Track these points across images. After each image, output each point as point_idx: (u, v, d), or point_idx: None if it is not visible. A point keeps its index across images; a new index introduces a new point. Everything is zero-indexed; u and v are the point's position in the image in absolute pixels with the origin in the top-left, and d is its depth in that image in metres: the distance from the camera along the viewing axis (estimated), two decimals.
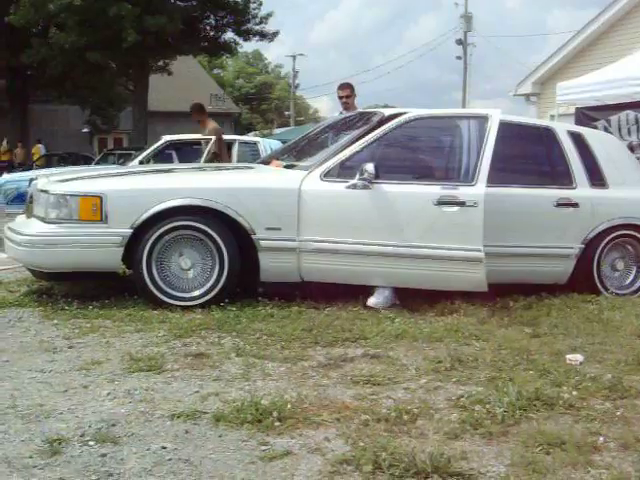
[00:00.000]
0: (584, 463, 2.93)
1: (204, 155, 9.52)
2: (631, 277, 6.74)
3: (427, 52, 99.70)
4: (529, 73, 19.55)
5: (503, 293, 6.02)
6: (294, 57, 56.57)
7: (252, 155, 11.06)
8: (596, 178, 6.64)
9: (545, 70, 18.94)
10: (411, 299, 5.82)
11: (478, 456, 3.00)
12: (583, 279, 6.46)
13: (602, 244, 6.51)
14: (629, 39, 16.89)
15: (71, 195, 5.60)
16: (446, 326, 5.18)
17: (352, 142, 6.03)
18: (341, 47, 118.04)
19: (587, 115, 13.29)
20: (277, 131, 35.77)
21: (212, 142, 9.47)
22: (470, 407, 3.52)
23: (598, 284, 6.49)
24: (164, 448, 3.06)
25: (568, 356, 4.47)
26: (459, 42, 42.79)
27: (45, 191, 5.72)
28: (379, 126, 6.08)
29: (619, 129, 13.34)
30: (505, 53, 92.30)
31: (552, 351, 4.60)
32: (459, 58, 43.04)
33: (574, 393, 3.74)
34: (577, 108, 14.34)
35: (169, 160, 12.16)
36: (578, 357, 4.46)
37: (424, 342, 4.80)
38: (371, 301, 5.80)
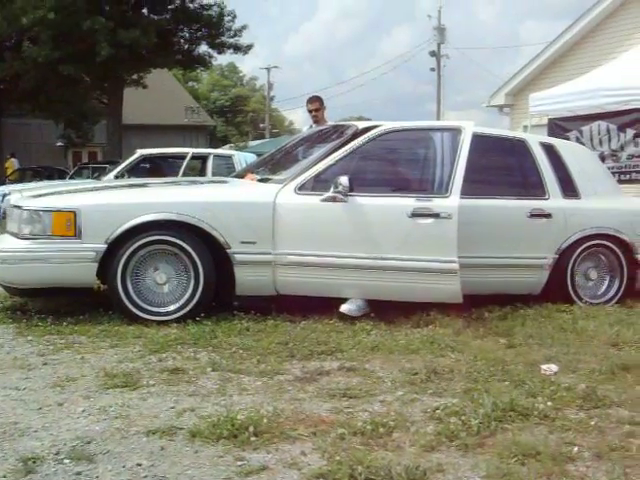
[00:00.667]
0: (559, 473, 2.94)
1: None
2: (604, 286, 6.80)
3: (401, 64, 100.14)
4: (502, 84, 19.70)
5: (478, 304, 6.06)
6: (268, 69, 56.63)
7: (227, 168, 11.07)
8: (569, 189, 6.71)
9: (518, 81, 19.09)
10: (387, 311, 5.83)
11: (454, 468, 3.01)
12: (557, 289, 6.53)
13: (575, 254, 6.58)
14: (600, 50, 17.08)
15: (44, 210, 5.57)
16: (422, 338, 5.20)
17: (326, 155, 6.05)
18: (316, 59, 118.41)
19: (560, 126, 13.42)
20: (252, 143, 35.75)
21: None
22: (446, 419, 3.53)
23: (572, 294, 6.56)
24: (139, 465, 3.04)
25: (543, 366, 4.49)
26: (432, 54, 43.03)
27: (18, 207, 5.69)
28: (353, 139, 6.11)
29: (591, 139, 13.49)
30: (478, 64, 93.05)
31: (527, 361, 4.63)
32: (433, 70, 43.28)
33: (549, 403, 3.76)
34: (550, 119, 14.47)
35: (145, 174, 12.14)
36: (553, 367, 4.48)
37: (400, 354, 4.81)
38: (344, 308, 5.80)
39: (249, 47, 26.25)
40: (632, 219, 6.88)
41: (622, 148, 13.91)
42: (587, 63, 16.66)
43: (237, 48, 25.71)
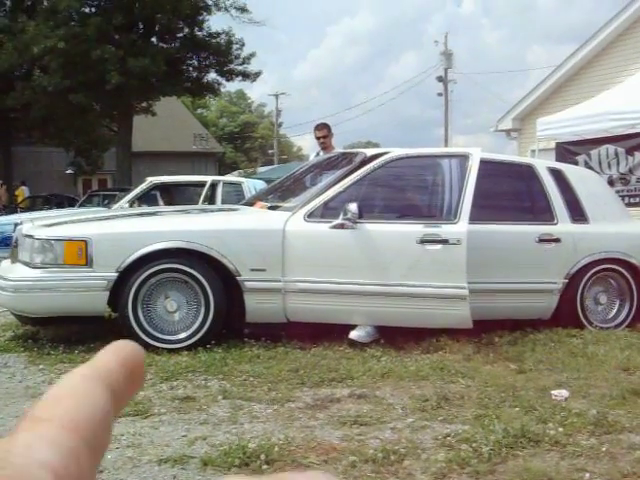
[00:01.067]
0: None
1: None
2: (614, 310, 6.78)
3: (408, 89, 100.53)
4: (509, 109, 19.79)
5: (488, 329, 6.06)
6: (277, 96, 56.93)
7: (236, 196, 11.10)
8: (577, 213, 6.72)
9: (525, 106, 19.17)
10: (396, 337, 5.84)
11: None
12: (567, 314, 6.52)
13: (585, 278, 6.58)
14: (607, 74, 17.15)
15: (56, 240, 5.62)
16: (432, 364, 5.20)
17: (335, 182, 6.09)
18: (323, 85, 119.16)
19: (568, 150, 13.47)
20: (261, 169, 35.82)
21: None
22: (457, 446, 3.54)
23: (582, 318, 6.54)
24: None
25: (553, 392, 4.49)
26: (440, 79, 43.20)
27: (30, 236, 5.73)
28: (362, 166, 6.16)
29: (599, 163, 13.53)
30: (485, 89, 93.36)
31: (537, 387, 4.63)
32: (440, 95, 43.43)
33: (560, 429, 3.76)
34: (557, 143, 14.52)
35: (156, 202, 12.21)
36: (563, 392, 4.48)
37: (410, 380, 4.82)
38: (353, 334, 5.81)
39: (257, 74, 26.42)
40: None
41: (631, 171, 13.93)
42: (594, 87, 16.73)
43: (245, 75, 25.87)
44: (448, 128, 42.06)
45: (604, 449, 3.53)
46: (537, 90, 18.99)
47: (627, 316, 6.74)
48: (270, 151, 56.81)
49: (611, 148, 14.13)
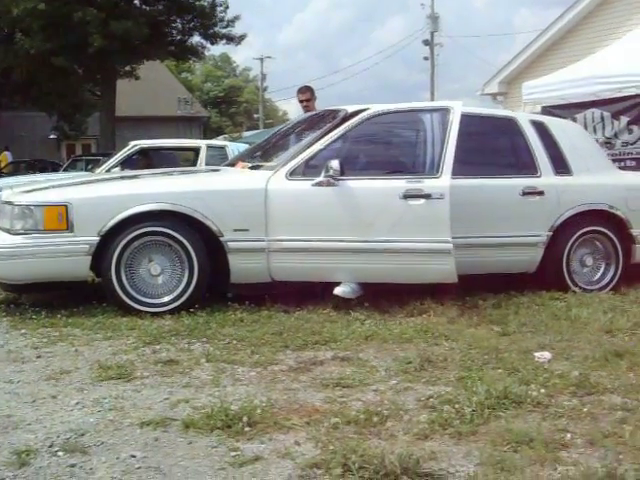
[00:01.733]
0: (552, 460, 2.95)
1: None
2: (599, 273, 6.79)
3: (394, 53, 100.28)
4: (495, 73, 19.67)
5: (472, 292, 6.06)
6: (262, 60, 56.54)
7: (221, 159, 10.99)
8: (560, 166, 6.71)
9: (511, 70, 19.07)
10: (381, 300, 5.84)
11: (447, 456, 3.02)
12: (552, 272, 6.53)
13: (572, 239, 6.56)
14: (593, 38, 17.06)
15: (35, 205, 5.57)
16: (416, 327, 5.20)
17: (316, 140, 6.05)
18: (309, 49, 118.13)
19: (554, 114, 13.39)
20: (246, 134, 35.60)
21: None
22: (439, 407, 3.54)
23: (567, 279, 6.55)
24: (133, 457, 3.04)
25: (536, 354, 4.50)
26: (426, 43, 43.02)
27: (9, 202, 5.68)
28: (343, 123, 6.11)
29: (585, 127, 13.46)
30: (472, 53, 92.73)
31: (521, 349, 4.63)
32: (426, 59, 43.29)
33: (542, 391, 3.76)
34: (543, 107, 14.45)
35: (139, 167, 12.11)
36: (546, 355, 4.49)
37: (394, 343, 4.82)
38: (337, 290, 5.79)
39: (242, 37, 26.17)
40: (625, 194, 6.86)
41: (616, 135, 13.90)
42: (580, 51, 16.65)
43: (230, 39, 25.62)
44: (434, 92, 41.92)
45: (586, 410, 3.54)
46: (523, 54, 18.89)
47: (612, 279, 6.75)
48: (255, 115, 56.51)
49: (597, 112, 14.09)
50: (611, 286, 6.69)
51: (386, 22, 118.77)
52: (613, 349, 4.56)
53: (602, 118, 14.13)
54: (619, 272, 6.74)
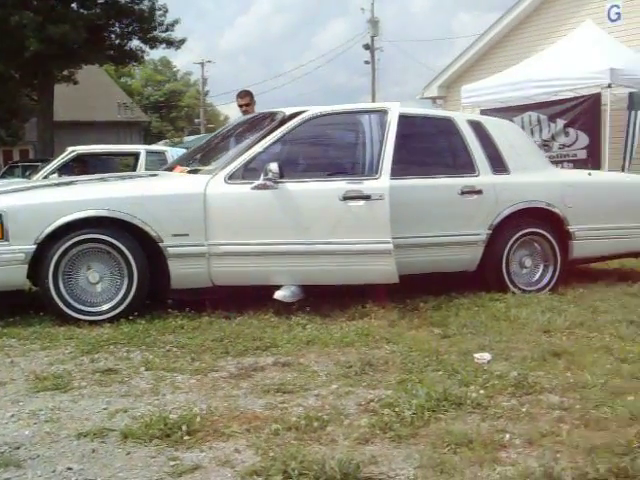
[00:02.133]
0: (490, 461, 2.97)
1: None
2: (538, 274, 6.89)
3: (336, 57, 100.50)
4: (435, 77, 19.87)
5: (413, 295, 6.10)
6: (202, 64, 56.18)
7: (160, 165, 10.92)
8: (498, 164, 6.79)
9: (450, 73, 19.27)
10: (322, 304, 5.84)
11: (387, 460, 3.02)
12: (492, 270, 6.60)
13: (511, 241, 6.64)
14: (529, 42, 17.33)
15: None
16: (357, 330, 5.21)
17: (255, 143, 6.03)
18: (251, 53, 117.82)
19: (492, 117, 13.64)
20: (188, 139, 35.38)
21: None
22: (380, 411, 3.54)
23: (507, 281, 6.62)
24: (70, 469, 2.98)
25: (476, 355, 4.54)
26: (366, 47, 43.20)
27: None
28: (281, 125, 6.10)
29: (523, 130, 13.66)
30: (412, 57, 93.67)
31: (461, 351, 4.67)
32: (367, 63, 43.46)
33: (481, 392, 3.79)
34: (482, 110, 14.63)
35: (77, 173, 11.92)
36: (486, 356, 4.53)
37: (335, 347, 4.81)
38: (278, 294, 5.78)
39: (182, 42, 26.02)
40: (561, 191, 6.96)
41: (553, 138, 14.18)
42: (517, 55, 16.89)
43: (170, 43, 25.45)
44: (375, 96, 42.13)
45: (524, 410, 3.57)
46: (462, 58, 19.11)
47: (550, 280, 6.84)
48: (197, 120, 56.07)
49: (534, 115, 14.35)
50: (550, 287, 6.78)
51: (327, 26, 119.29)
52: (551, 349, 4.62)
53: (539, 121, 14.38)
54: (557, 273, 6.84)
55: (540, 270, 6.90)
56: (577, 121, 13.81)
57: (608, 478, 2.77)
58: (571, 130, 13.95)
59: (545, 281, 6.85)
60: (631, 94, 12.99)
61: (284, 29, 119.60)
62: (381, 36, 43.78)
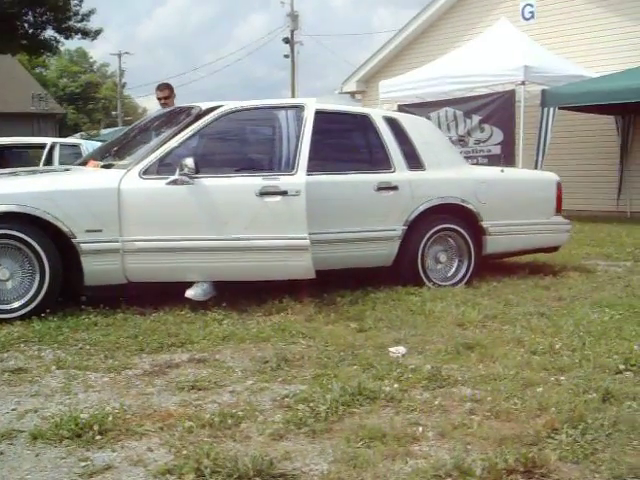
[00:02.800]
0: (403, 454, 3.00)
1: None
2: (453, 269, 6.99)
3: (255, 50, 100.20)
4: (353, 71, 19.99)
5: (330, 289, 6.12)
6: (119, 55, 55.34)
7: (75, 158, 10.70)
8: (413, 161, 6.86)
9: (368, 68, 19.43)
10: (239, 300, 5.81)
11: (302, 455, 3.02)
12: (408, 263, 6.67)
13: (426, 237, 6.72)
14: (446, 38, 17.60)
15: None
16: (273, 325, 5.20)
17: (170, 137, 5.96)
18: (170, 45, 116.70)
19: (409, 112, 13.83)
20: (104, 131, 34.75)
21: None
22: (294, 406, 3.54)
23: (422, 276, 6.69)
24: None
25: (391, 349, 4.58)
26: (286, 41, 43.15)
27: None
28: (197, 120, 6.04)
29: (439, 125, 13.89)
30: (332, 51, 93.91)
31: (376, 345, 4.70)
32: (287, 56, 43.42)
33: (395, 385, 3.83)
34: (399, 105, 14.81)
35: None
36: (401, 349, 4.58)
37: (251, 343, 4.80)
38: (189, 293, 5.74)
39: (98, 32, 25.53)
40: (475, 188, 7.06)
41: (469, 133, 14.44)
42: (435, 50, 17.14)
43: (85, 33, 24.93)
44: (295, 89, 42.14)
45: (437, 402, 3.62)
46: (380, 53, 19.28)
47: (465, 274, 6.95)
48: (114, 112, 55.26)
49: (450, 111, 14.59)
50: (464, 281, 6.89)
51: (248, 19, 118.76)
52: (464, 342, 4.69)
53: (455, 117, 14.62)
54: (472, 268, 6.95)
55: (455, 265, 7.00)
56: (492, 117, 14.11)
57: (517, 468, 2.83)
58: (486, 126, 14.24)
59: (460, 276, 6.96)
60: (544, 91, 13.32)
61: (204, 21, 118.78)
62: (301, 30, 43.79)
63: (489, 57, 14.21)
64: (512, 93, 13.75)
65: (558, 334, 4.90)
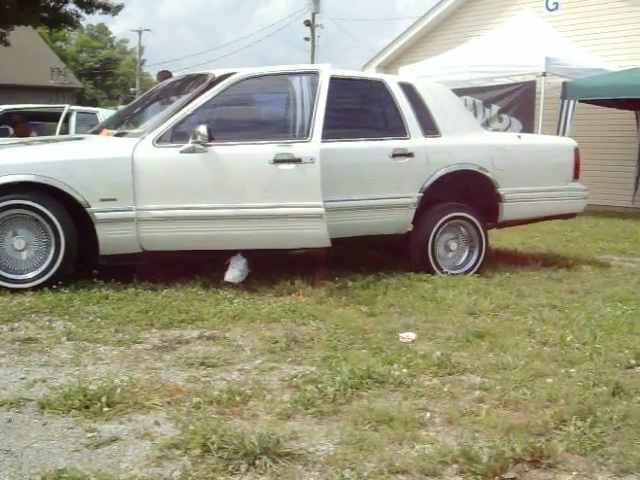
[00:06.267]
0: (410, 439, 3.00)
1: None
2: (464, 257, 6.94)
3: (277, 32, 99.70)
4: (373, 56, 19.90)
5: (342, 273, 6.11)
6: (140, 32, 55.31)
7: (91, 126, 10.69)
8: (429, 127, 6.76)
9: (388, 54, 19.33)
10: (251, 279, 5.80)
11: (308, 435, 3.02)
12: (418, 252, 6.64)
13: (436, 226, 6.68)
14: (469, 27, 17.48)
15: None
16: (284, 306, 5.19)
17: (184, 105, 5.92)
18: (191, 24, 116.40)
19: None
20: (122, 108, 34.81)
21: None
22: (303, 387, 3.54)
23: (432, 264, 6.65)
24: None
25: (401, 334, 4.57)
26: (307, 23, 43.03)
27: None
28: (210, 87, 6.00)
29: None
30: (353, 36, 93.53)
31: (386, 330, 4.69)
32: (307, 39, 43.34)
33: (404, 370, 3.82)
34: None
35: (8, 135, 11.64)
36: (411, 335, 4.57)
37: (261, 322, 4.80)
38: (228, 277, 5.72)
39: (119, 8, 25.46)
40: (491, 154, 6.96)
41: (487, 123, 14.35)
42: (455, 39, 17.03)
43: (106, 8, 24.84)
44: None
45: (445, 389, 3.61)
46: (401, 39, 19.18)
47: (476, 263, 6.92)
48: (132, 89, 55.18)
49: (469, 100, 14.51)
50: (475, 269, 6.85)
51: (271, 1, 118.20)
52: (475, 330, 4.67)
53: (474, 106, 14.53)
54: (482, 256, 6.90)
55: (466, 253, 6.94)
56: (511, 107, 14.03)
57: (523, 457, 2.82)
58: (505, 116, 14.16)
59: (471, 264, 6.89)
60: (565, 83, 13.21)
61: (226, 1, 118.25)
62: (322, 13, 43.65)
63: (510, 47, 14.10)
64: (532, 84, 13.67)
65: (569, 327, 4.87)
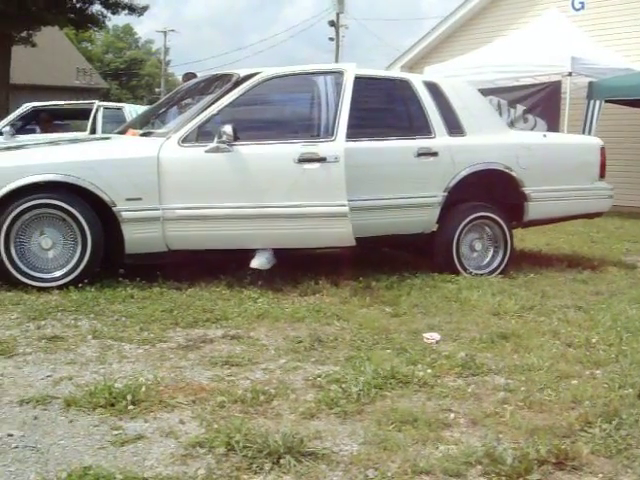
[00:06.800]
0: (434, 439, 2.99)
1: None
2: (488, 257, 6.91)
3: (300, 32, 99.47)
4: (398, 57, 19.87)
5: (366, 273, 6.11)
6: (165, 33, 55.57)
7: (118, 122, 10.73)
8: (454, 126, 6.74)
9: (413, 54, 19.30)
10: (275, 279, 5.82)
11: (332, 435, 3.02)
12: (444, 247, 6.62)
13: (463, 223, 6.65)
14: (494, 27, 17.41)
15: None
16: (308, 306, 5.20)
17: (209, 105, 5.95)
18: (216, 24, 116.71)
19: None
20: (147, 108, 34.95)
21: None
22: (327, 387, 3.54)
23: (457, 264, 6.63)
24: (10, 435, 2.93)
25: (425, 335, 4.56)
26: (331, 24, 43.03)
27: None
28: (235, 87, 6.02)
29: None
30: (378, 36, 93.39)
31: (410, 330, 4.68)
32: (332, 39, 43.33)
33: (429, 371, 3.82)
34: None
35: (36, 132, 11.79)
36: (435, 336, 4.56)
37: (285, 322, 4.81)
38: (254, 263, 5.74)
39: (144, 9, 25.55)
40: (517, 153, 6.92)
41: (512, 124, 14.26)
42: (480, 39, 16.97)
43: (132, 9, 24.96)
44: None
45: (470, 390, 3.60)
46: (426, 39, 19.14)
47: (500, 263, 6.88)
48: (157, 90, 55.47)
49: (494, 100, 14.42)
50: (500, 270, 6.81)
51: (295, 0, 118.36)
52: (499, 331, 4.66)
53: (499, 106, 14.46)
54: (507, 256, 6.86)
55: (490, 254, 6.91)
56: (537, 108, 13.94)
57: (548, 459, 2.80)
58: (530, 116, 14.08)
59: (495, 264, 6.86)
60: (591, 83, 13.12)
61: (250, 1, 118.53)
62: (347, 13, 43.63)
63: (536, 47, 14.02)
64: (558, 84, 13.57)
65: (595, 328, 4.83)
